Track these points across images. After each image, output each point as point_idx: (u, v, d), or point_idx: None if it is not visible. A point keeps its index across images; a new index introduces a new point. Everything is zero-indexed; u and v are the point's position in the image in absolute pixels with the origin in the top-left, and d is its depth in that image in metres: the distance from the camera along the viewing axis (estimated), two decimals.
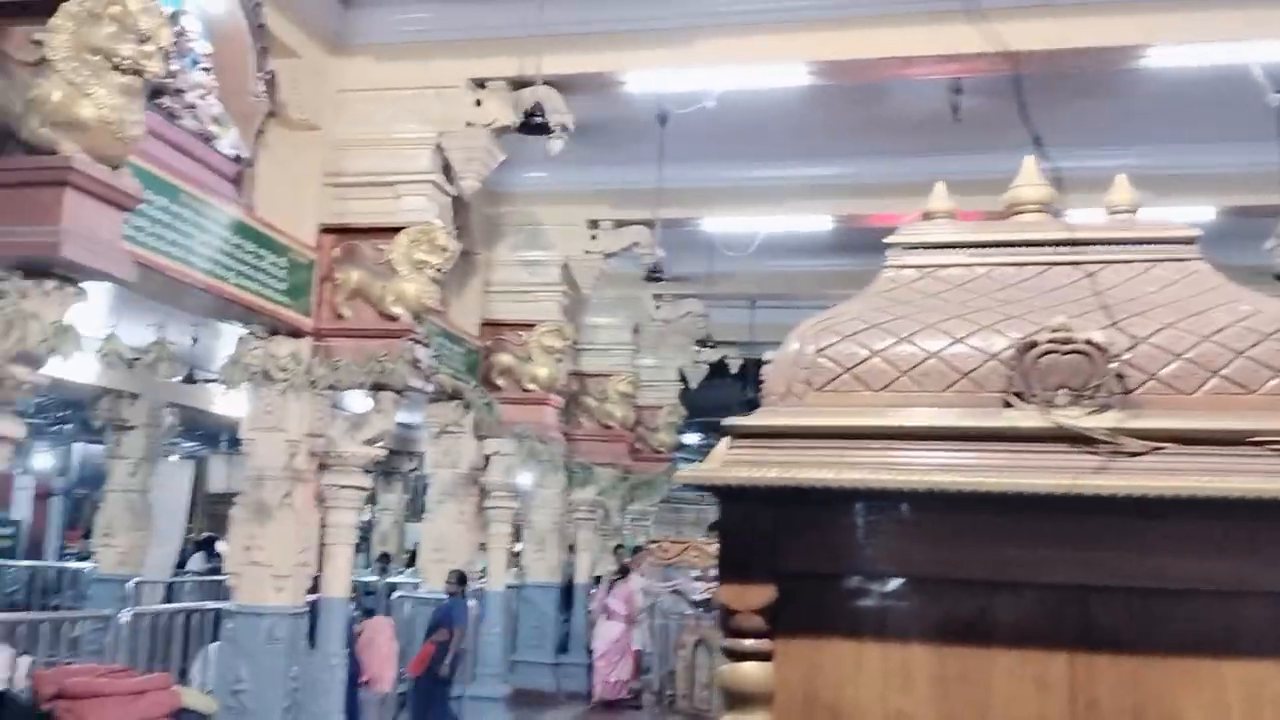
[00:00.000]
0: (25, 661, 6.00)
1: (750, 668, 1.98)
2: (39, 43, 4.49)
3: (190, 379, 10.60)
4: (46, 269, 4.45)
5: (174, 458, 13.67)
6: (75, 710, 5.78)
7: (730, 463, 1.99)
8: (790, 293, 12.32)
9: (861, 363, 2.04)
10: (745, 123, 8.42)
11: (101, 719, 5.89)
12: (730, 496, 2.00)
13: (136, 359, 4.85)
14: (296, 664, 7.20)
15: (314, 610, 7.45)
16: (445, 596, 9.33)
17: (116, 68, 4.47)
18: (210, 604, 8.13)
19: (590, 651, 12.44)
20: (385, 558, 14.27)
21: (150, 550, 11.66)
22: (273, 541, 7.26)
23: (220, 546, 14.31)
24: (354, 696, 8.00)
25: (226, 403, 12.05)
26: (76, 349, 4.40)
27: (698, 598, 11.17)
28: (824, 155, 9.38)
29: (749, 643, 1.98)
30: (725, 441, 2.06)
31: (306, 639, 7.34)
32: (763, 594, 1.96)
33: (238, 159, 6.94)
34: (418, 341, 7.64)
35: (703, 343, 14.30)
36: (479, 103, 7.72)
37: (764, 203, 10.07)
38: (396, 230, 7.63)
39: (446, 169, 7.85)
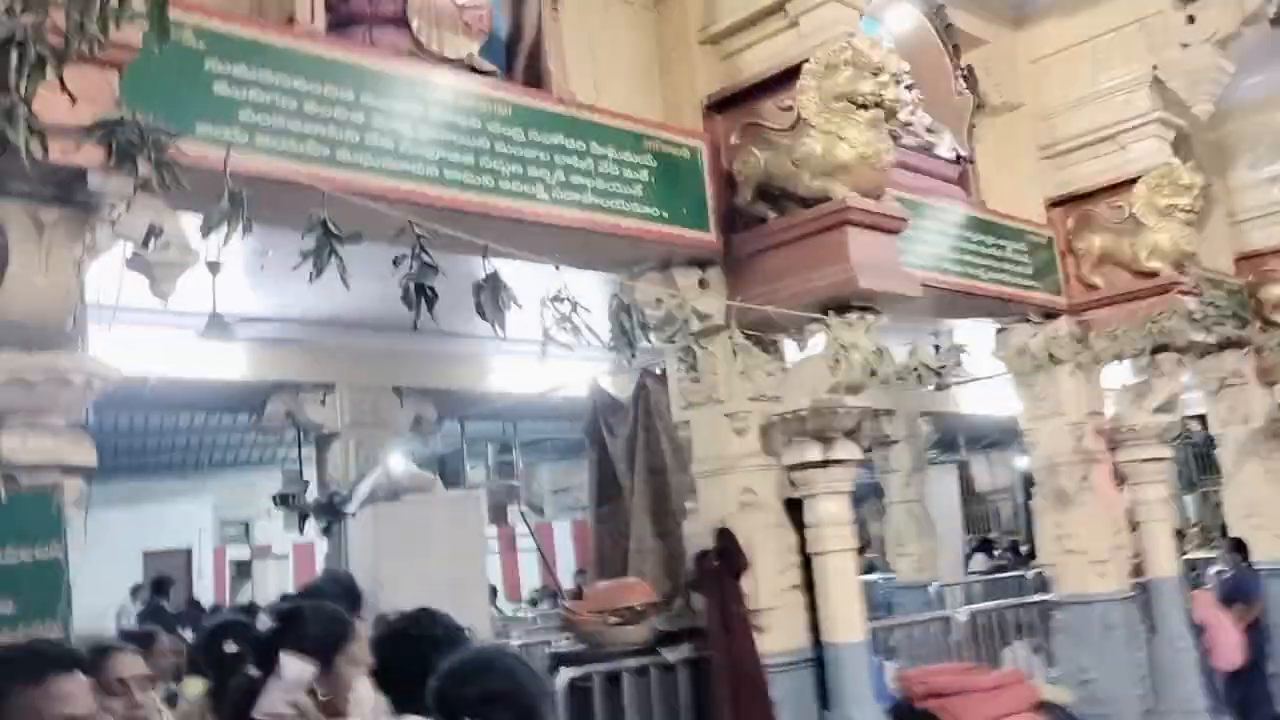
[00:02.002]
0: (891, 666, 6.49)
1: None
2: (789, 108, 4.97)
3: (941, 386, 10.91)
4: (847, 303, 4.85)
5: (938, 465, 14.23)
6: (948, 707, 6.10)
7: None
8: None
9: None
10: None
11: (973, 713, 6.13)
12: None
13: (930, 371, 5.09)
14: (1140, 650, 6.91)
15: (1145, 593, 7.10)
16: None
17: (861, 105, 4.75)
18: (1027, 599, 8.15)
19: None
20: (1178, 534, 13.29)
21: (943, 554, 12.15)
22: (1081, 528, 7.10)
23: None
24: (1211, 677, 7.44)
25: (975, 403, 12.28)
26: (890, 370, 4.70)
27: None
28: None
29: None
30: None
31: (1146, 624, 7.01)
32: None
33: (958, 159, 7.06)
34: (1186, 292, 7.04)
35: None
36: (1191, 19, 6.97)
37: None
38: (1130, 182, 7.15)
39: (1166, 103, 7.21)
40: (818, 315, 4.75)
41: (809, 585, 5.11)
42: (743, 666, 4.83)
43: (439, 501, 5.51)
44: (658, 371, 6.13)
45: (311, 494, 7.82)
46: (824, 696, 5.02)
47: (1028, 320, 7.14)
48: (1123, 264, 7.20)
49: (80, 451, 3.04)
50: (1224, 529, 10.26)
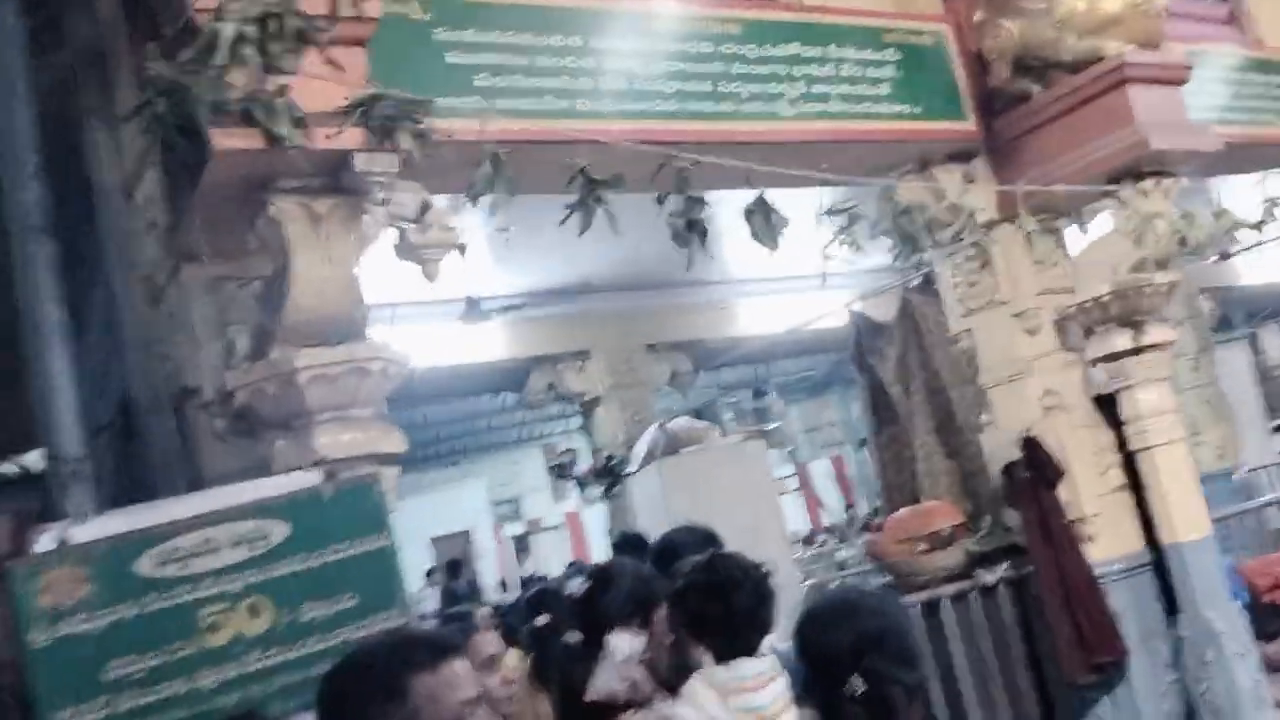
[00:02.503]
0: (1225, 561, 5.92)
1: None
2: None
3: (1224, 255, 9.93)
4: (1136, 170, 4.35)
5: (1226, 344, 13.04)
6: None
7: None
8: None
9: None
10: None
11: None
12: None
13: (1251, 228, 4.48)
14: None
15: None
16: None
17: None
18: None
19: None
20: None
21: (1244, 438, 11.16)
22: None
23: None
24: None
25: (1258, 272, 11.16)
26: (1203, 236, 4.18)
27: None
28: None
29: None
30: None
31: None
32: None
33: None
34: None
35: None
36: None
37: None
38: None
39: None
40: (1111, 188, 4.27)
41: (1134, 485, 4.66)
42: (1073, 580, 4.45)
43: (721, 450, 5.37)
44: (918, 285, 5.77)
45: (583, 462, 7.92)
46: (1170, 601, 4.58)
47: None
48: None
49: (390, 440, 3.04)
50: None
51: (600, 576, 3.01)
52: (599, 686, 2.59)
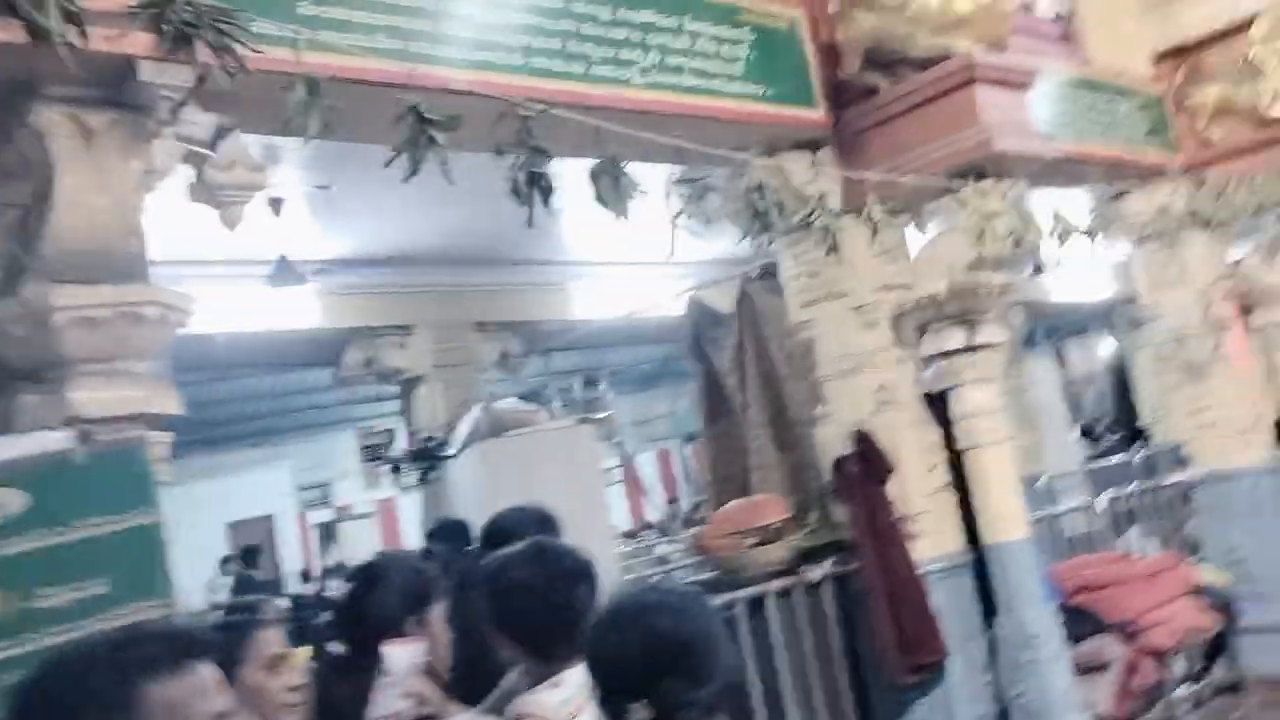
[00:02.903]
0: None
1: None
2: None
3: (1037, 269, 10.37)
4: (978, 171, 4.37)
5: (1033, 355, 13.77)
6: (1102, 601, 5.71)
7: None
8: None
9: None
10: None
11: (1124, 604, 5.74)
12: None
13: (1082, 233, 4.60)
14: None
15: None
16: None
17: None
18: (1165, 482, 7.65)
19: None
20: None
21: (1048, 445, 11.75)
22: (1217, 400, 6.65)
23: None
24: None
25: (1065, 289, 11.74)
26: (1038, 239, 4.22)
27: None
28: None
29: None
30: None
31: None
32: None
33: (1057, 18, 6.48)
34: None
35: None
36: None
37: None
38: (1244, 27, 6.55)
39: None
40: (955, 184, 4.26)
41: (959, 484, 4.69)
42: (898, 578, 4.44)
43: (549, 434, 5.13)
44: (759, 276, 5.69)
45: (399, 444, 7.54)
46: (988, 602, 4.62)
47: (1147, 182, 6.60)
48: (1242, 114, 6.64)
49: (163, 400, 2.64)
50: None
51: (364, 575, 2.67)
52: (379, 710, 2.29)
